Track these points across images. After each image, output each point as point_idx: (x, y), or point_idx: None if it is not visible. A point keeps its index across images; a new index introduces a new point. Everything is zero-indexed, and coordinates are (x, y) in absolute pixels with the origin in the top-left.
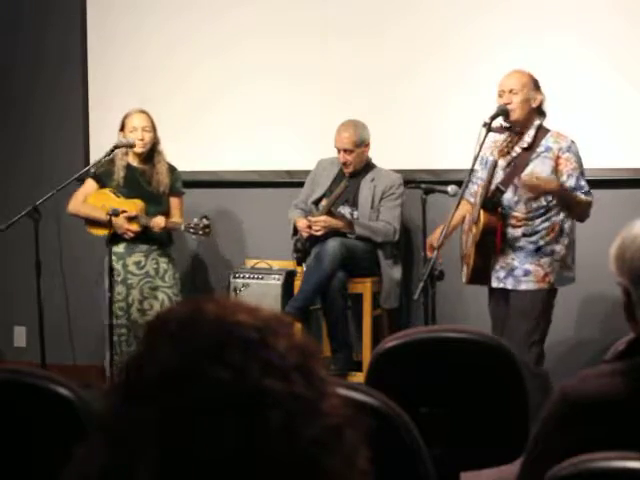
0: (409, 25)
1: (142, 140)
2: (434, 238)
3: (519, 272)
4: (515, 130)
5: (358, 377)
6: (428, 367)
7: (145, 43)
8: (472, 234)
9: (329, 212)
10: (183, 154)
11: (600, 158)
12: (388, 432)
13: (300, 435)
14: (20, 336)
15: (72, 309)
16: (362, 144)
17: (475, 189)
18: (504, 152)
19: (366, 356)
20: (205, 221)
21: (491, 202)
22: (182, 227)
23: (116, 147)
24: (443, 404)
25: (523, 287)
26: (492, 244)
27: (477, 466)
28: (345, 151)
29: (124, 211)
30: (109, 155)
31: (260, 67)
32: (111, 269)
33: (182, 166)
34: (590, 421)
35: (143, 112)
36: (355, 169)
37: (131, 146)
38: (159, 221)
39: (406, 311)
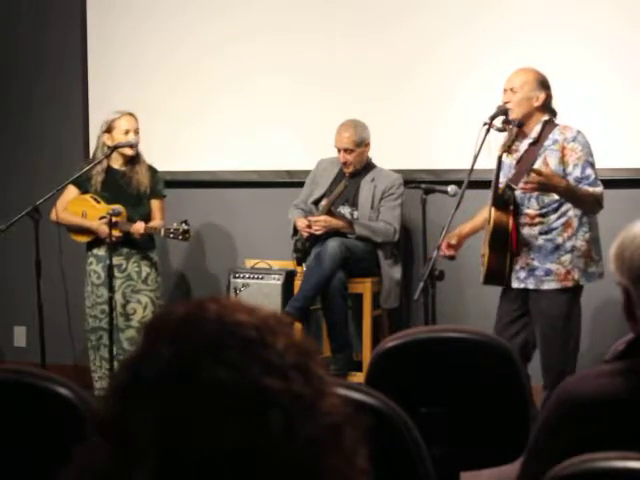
0: (409, 25)
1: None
2: (452, 236)
3: (540, 272)
4: (515, 124)
5: (358, 377)
6: (428, 367)
7: (145, 43)
8: (486, 233)
9: (329, 212)
10: (183, 154)
11: (600, 158)
12: (388, 432)
13: (299, 434)
14: (20, 336)
15: (72, 309)
16: (362, 144)
17: None
18: (506, 147)
19: (366, 356)
20: (185, 226)
21: (501, 199)
22: (162, 232)
23: (116, 147)
24: (443, 404)
25: (545, 287)
26: (504, 243)
27: (477, 466)
28: (345, 151)
29: (119, 212)
30: (108, 156)
31: (260, 67)
32: (110, 270)
33: (182, 166)
34: (590, 421)
35: (131, 114)
36: (355, 169)
37: (132, 146)
38: (138, 227)
39: (406, 311)
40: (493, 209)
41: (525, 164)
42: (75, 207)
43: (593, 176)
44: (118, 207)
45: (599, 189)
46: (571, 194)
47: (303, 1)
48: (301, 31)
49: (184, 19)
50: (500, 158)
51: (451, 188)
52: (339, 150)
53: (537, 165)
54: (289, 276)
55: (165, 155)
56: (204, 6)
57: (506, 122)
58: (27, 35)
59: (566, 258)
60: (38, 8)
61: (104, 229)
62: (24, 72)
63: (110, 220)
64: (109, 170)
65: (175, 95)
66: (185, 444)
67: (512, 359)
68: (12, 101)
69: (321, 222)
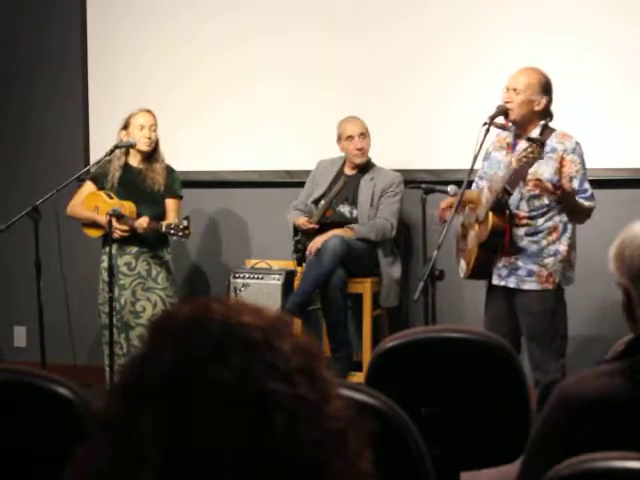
0: (409, 25)
1: (149, 138)
2: (449, 202)
3: (522, 272)
4: (517, 132)
5: (358, 377)
6: (428, 367)
7: (145, 43)
8: (475, 232)
9: (328, 211)
10: (183, 154)
11: (600, 158)
12: (388, 432)
13: (303, 437)
14: (20, 336)
15: (72, 309)
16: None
17: (483, 184)
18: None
19: (366, 356)
20: (185, 222)
21: (500, 203)
22: (163, 228)
23: (116, 147)
24: (443, 404)
25: (527, 287)
26: (499, 245)
27: (477, 466)
28: (360, 135)
29: (119, 212)
30: (109, 155)
31: (260, 67)
32: (111, 269)
33: (182, 166)
34: (589, 421)
35: (149, 111)
36: (365, 160)
37: (132, 146)
38: (142, 222)
39: (406, 311)
40: (491, 213)
41: (523, 168)
42: (89, 202)
43: (590, 191)
44: (118, 207)
45: (593, 204)
46: (572, 207)
47: (303, 1)
48: (301, 31)
49: (184, 19)
50: (510, 162)
51: (451, 188)
52: (352, 138)
53: (532, 170)
54: (289, 276)
55: (165, 155)
56: (204, 6)
57: (502, 127)
58: (27, 35)
59: (549, 261)
60: (38, 8)
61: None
62: (24, 72)
63: (110, 220)
64: (126, 167)
65: (175, 95)
66: (188, 445)
67: (512, 359)
68: (12, 101)
69: (317, 242)
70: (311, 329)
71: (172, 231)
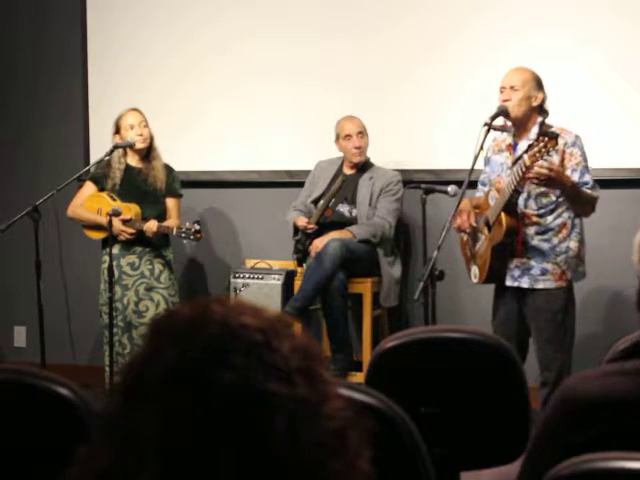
0: (409, 25)
1: (142, 135)
2: (462, 210)
3: (536, 271)
4: (517, 132)
5: (358, 377)
6: (428, 367)
7: (145, 43)
8: (485, 236)
9: (328, 210)
10: (183, 154)
11: (600, 158)
12: (388, 432)
13: (303, 438)
14: (20, 336)
15: (72, 309)
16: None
17: (486, 190)
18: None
19: (366, 356)
20: (196, 226)
21: (510, 203)
22: (174, 231)
23: (116, 147)
24: (443, 404)
25: (541, 286)
26: (512, 246)
27: (477, 466)
28: (359, 134)
29: (119, 212)
30: (109, 155)
31: (260, 67)
32: (110, 269)
33: (182, 166)
34: (591, 421)
35: (135, 109)
36: (363, 159)
37: (131, 146)
38: (151, 225)
39: (406, 311)
40: (504, 214)
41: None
42: (91, 203)
43: (592, 181)
44: (117, 207)
45: (597, 193)
46: (575, 194)
47: (303, 2)
48: (301, 31)
49: (184, 19)
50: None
51: (451, 188)
52: (350, 137)
53: (535, 169)
54: (289, 276)
55: (165, 155)
56: (204, 6)
57: (501, 128)
58: (27, 35)
59: (562, 258)
60: (38, 8)
61: (117, 225)
62: (24, 72)
63: (110, 221)
64: (127, 167)
65: (175, 95)
66: (187, 446)
67: (512, 359)
68: (12, 101)
69: (318, 247)
70: (311, 329)
71: (183, 234)
